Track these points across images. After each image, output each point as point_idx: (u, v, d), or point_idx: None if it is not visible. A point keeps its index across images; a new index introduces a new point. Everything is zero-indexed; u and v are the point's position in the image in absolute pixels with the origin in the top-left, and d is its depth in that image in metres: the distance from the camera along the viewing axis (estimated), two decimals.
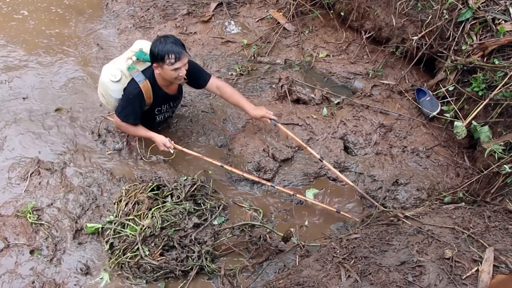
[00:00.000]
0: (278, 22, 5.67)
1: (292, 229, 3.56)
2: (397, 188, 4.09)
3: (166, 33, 5.65)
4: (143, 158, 4.28)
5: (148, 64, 3.90)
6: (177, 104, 4.39)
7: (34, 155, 4.38)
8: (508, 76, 3.95)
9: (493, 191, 3.48)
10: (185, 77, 3.89)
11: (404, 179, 4.12)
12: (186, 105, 4.85)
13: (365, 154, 4.36)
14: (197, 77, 4.14)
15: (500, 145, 3.64)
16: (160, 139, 4.01)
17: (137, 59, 3.91)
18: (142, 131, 4.08)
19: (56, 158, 4.37)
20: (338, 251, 2.86)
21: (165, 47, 3.60)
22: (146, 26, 5.85)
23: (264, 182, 4.03)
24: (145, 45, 4.00)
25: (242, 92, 4.98)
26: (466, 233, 2.76)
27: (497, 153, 3.60)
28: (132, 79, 3.86)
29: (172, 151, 4.02)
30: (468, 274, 2.51)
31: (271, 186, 4.00)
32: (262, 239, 3.63)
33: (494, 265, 2.51)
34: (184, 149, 4.10)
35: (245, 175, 4.01)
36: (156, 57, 3.65)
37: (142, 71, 3.89)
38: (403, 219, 3.03)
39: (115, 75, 3.86)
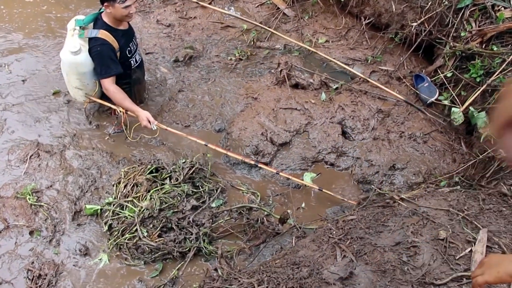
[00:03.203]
0: (278, 8, 5.67)
1: (289, 211, 3.59)
2: (394, 173, 4.12)
3: (166, 18, 5.67)
4: (128, 137, 4.27)
5: (91, 24, 4.03)
6: (136, 39, 4.38)
7: (34, 137, 4.39)
8: (506, 63, 3.98)
9: (488, 175, 3.51)
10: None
11: (401, 164, 4.15)
12: (184, 89, 4.87)
13: (362, 139, 4.39)
14: None
15: None
16: (144, 114, 4.03)
17: (80, 27, 3.98)
18: (127, 102, 4.09)
19: (55, 140, 4.39)
20: (334, 232, 2.89)
21: None
22: (146, 10, 5.84)
23: (247, 160, 4.07)
24: (77, 17, 4.09)
25: (241, 76, 5.01)
26: (461, 215, 2.80)
27: (493, 138, 3.63)
28: (90, 39, 3.94)
29: (154, 127, 4.02)
30: (461, 255, 2.55)
31: (255, 164, 4.02)
32: (259, 221, 3.67)
33: (487, 246, 2.55)
34: (168, 128, 4.13)
35: (228, 153, 4.06)
36: None
37: (93, 28, 3.99)
38: (399, 201, 3.06)
39: (73, 46, 3.90)
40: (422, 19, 4.70)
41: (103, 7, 3.88)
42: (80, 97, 4.29)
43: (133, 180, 3.90)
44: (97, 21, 4.01)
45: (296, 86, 4.77)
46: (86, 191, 4.01)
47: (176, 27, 5.60)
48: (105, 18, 3.98)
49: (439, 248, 2.60)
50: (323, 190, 3.86)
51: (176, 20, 5.69)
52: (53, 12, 5.82)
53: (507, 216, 2.77)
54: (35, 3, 5.93)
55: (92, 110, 4.62)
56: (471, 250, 2.56)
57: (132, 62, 4.25)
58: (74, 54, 3.90)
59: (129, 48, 4.16)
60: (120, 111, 4.16)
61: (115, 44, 3.98)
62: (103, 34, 3.90)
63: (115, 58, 4.03)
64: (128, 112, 4.15)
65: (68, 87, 4.31)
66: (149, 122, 4.01)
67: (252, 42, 5.34)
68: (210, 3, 5.80)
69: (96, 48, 3.92)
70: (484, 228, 2.66)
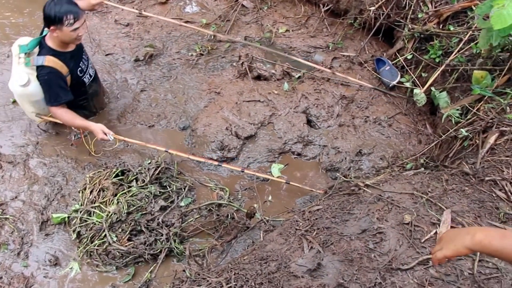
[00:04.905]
0: (237, 0, 5.62)
1: (255, 205, 3.58)
2: (361, 158, 4.15)
3: (124, 17, 5.58)
4: (92, 153, 4.18)
5: (37, 49, 3.81)
6: (86, 53, 4.18)
7: None
8: (462, 42, 4.03)
9: (451, 155, 3.55)
10: None
11: (367, 149, 4.18)
12: (146, 89, 4.80)
13: (328, 126, 4.40)
14: None
15: (457, 109, 3.71)
16: (98, 127, 3.89)
17: (25, 53, 3.77)
18: (78, 120, 3.94)
19: (17, 150, 4.28)
20: (300, 224, 2.89)
21: (62, 8, 3.47)
22: (103, 10, 5.72)
23: (210, 161, 4.04)
24: (20, 41, 3.88)
25: (203, 71, 4.96)
26: (425, 198, 2.82)
27: (454, 118, 3.67)
28: (38, 67, 3.74)
29: (111, 138, 3.90)
30: (427, 237, 2.57)
31: (218, 164, 4.00)
32: (229, 217, 3.66)
33: (451, 227, 2.58)
34: (125, 138, 4.05)
35: (191, 157, 4.02)
36: (54, 20, 3.50)
37: (38, 55, 3.77)
38: (364, 188, 3.07)
39: (21, 79, 3.74)
40: (379, 3, 4.73)
41: (49, 31, 3.67)
42: (38, 119, 4.20)
43: (99, 185, 3.84)
44: (42, 46, 3.79)
45: (258, 77, 4.76)
46: (53, 200, 3.94)
47: (134, 26, 5.51)
48: (49, 42, 3.76)
49: (404, 232, 2.62)
50: (290, 182, 3.86)
51: (134, 19, 5.59)
52: (8, 19, 5.67)
53: (470, 195, 2.80)
54: None
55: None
56: (436, 232, 2.58)
57: (85, 79, 4.11)
58: (23, 86, 3.76)
59: (80, 68, 3.99)
60: (78, 135, 4.17)
61: (64, 69, 3.81)
62: (49, 61, 3.71)
63: (65, 85, 3.87)
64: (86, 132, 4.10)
65: (25, 111, 4.19)
66: (105, 134, 3.89)
67: (212, 36, 5.28)
68: (167, 0, 5.73)
69: (43, 76, 3.74)
70: (447, 209, 2.68)
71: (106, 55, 5.16)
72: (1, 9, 5.76)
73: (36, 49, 3.81)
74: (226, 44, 5.22)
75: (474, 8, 4.09)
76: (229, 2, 5.69)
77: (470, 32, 4.01)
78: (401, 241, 2.57)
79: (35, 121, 4.30)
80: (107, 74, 4.89)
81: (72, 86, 3.98)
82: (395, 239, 2.59)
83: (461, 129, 3.50)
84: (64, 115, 3.93)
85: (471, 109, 3.61)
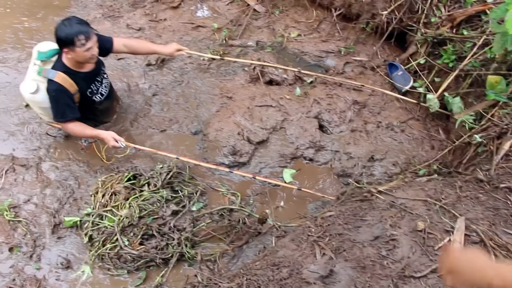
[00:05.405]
0: (248, 4, 5.62)
1: (267, 211, 3.57)
2: (373, 164, 4.12)
3: (136, 21, 5.60)
4: (103, 160, 4.19)
5: (55, 58, 3.83)
6: (104, 75, 4.18)
7: (8, 152, 4.31)
8: (476, 46, 4.00)
9: (465, 161, 3.52)
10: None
11: (379, 155, 4.16)
12: (158, 93, 4.81)
13: (340, 131, 4.38)
14: (101, 43, 3.89)
15: (471, 115, 3.68)
16: (109, 134, 3.91)
17: (41, 61, 3.80)
18: (88, 130, 3.98)
19: (30, 153, 4.31)
20: (313, 230, 2.88)
21: (72, 29, 3.50)
22: (115, 15, 5.75)
23: (221, 168, 4.03)
24: (40, 47, 3.90)
25: (215, 76, 4.97)
26: (438, 204, 2.80)
27: (468, 123, 3.64)
28: (48, 80, 3.76)
29: (123, 145, 3.92)
30: (440, 245, 2.55)
31: (230, 171, 4.00)
32: (241, 222, 3.65)
33: (465, 234, 2.55)
34: (137, 146, 4.07)
35: (202, 164, 4.02)
36: (65, 41, 3.54)
37: (52, 67, 3.78)
38: (377, 194, 3.05)
39: (31, 87, 3.78)
40: (392, 7, 4.70)
41: (63, 52, 3.70)
42: (45, 118, 4.23)
43: (111, 189, 3.85)
44: (58, 59, 3.81)
45: (270, 82, 4.75)
46: (65, 203, 3.95)
47: (146, 31, 5.53)
48: (65, 60, 3.77)
49: (417, 239, 2.60)
50: (302, 189, 3.85)
51: (146, 23, 5.61)
52: (22, 23, 5.71)
53: (484, 203, 2.77)
54: (1, 14, 5.82)
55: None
56: (449, 240, 2.56)
57: (95, 98, 4.10)
58: (32, 94, 3.80)
59: (90, 90, 3.99)
60: (88, 140, 4.21)
61: (73, 87, 3.81)
62: (59, 77, 3.72)
63: (72, 103, 3.88)
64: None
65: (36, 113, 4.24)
66: (116, 141, 3.90)
67: (224, 41, 5.29)
68: (179, 4, 5.75)
69: (51, 92, 3.77)
70: (461, 217, 2.66)
71: (118, 59, 5.17)
72: (14, 13, 5.81)
73: (55, 58, 3.83)
74: (237, 49, 5.22)
75: (488, 12, 4.06)
76: (240, 7, 5.69)
77: (484, 36, 3.97)
78: (414, 248, 2.56)
79: (44, 121, 4.33)
80: (118, 78, 4.90)
81: (80, 103, 4.00)
82: (408, 246, 2.57)
83: (475, 135, 3.47)
84: (74, 128, 3.96)
85: (485, 114, 3.58)
